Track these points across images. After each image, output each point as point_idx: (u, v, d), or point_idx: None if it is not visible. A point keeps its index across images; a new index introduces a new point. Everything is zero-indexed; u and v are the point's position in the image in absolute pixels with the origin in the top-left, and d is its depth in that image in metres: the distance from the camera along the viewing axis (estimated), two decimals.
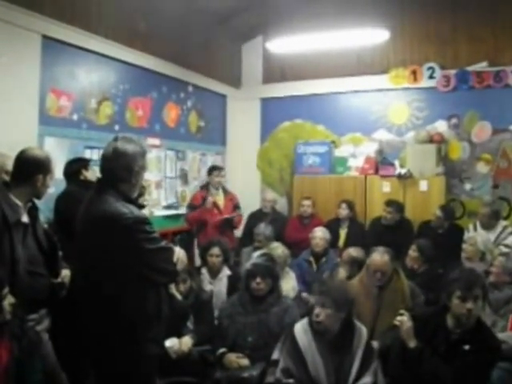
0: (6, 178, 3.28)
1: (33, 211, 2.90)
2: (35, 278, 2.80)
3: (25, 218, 2.82)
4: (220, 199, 6.10)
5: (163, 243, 2.58)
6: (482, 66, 6.46)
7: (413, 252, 4.77)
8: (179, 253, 2.63)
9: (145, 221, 2.51)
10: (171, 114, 6.42)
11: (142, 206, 2.72)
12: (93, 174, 4.29)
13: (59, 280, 2.98)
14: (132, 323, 2.47)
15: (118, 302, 2.45)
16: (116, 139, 2.58)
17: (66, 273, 3.00)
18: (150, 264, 2.48)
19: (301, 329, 3.16)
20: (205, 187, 6.21)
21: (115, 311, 2.45)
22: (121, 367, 2.50)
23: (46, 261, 2.93)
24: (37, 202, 2.95)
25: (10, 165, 3.27)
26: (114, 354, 2.49)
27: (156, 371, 2.76)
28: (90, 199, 2.60)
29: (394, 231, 5.85)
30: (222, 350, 3.61)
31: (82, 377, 2.93)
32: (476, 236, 5.09)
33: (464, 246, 4.86)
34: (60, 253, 3.09)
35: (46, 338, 2.92)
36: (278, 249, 4.77)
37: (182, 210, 6.30)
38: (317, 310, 3.07)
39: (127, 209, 2.46)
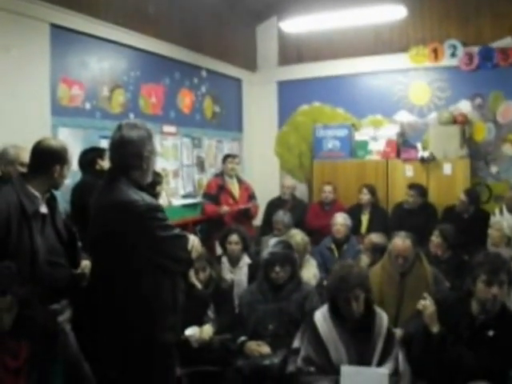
0: (22, 169, 3.41)
1: (51, 202, 3.01)
2: (55, 269, 2.91)
3: (43, 209, 2.92)
4: (235, 188, 6.22)
5: (177, 231, 2.65)
6: (506, 41, 6.41)
7: (436, 238, 4.80)
8: (194, 240, 2.70)
9: (157, 208, 2.60)
10: (185, 100, 6.49)
11: (154, 195, 2.79)
12: (108, 163, 4.40)
13: (79, 271, 3.09)
14: (148, 312, 2.57)
15: (133, 291, 2.55)
16: (120, 127, 2.67)
17: (86, 263, 3.10)
18: (164, 252, 2.57)
19: (321, 316, 3.23)
20: (220, 175, 6.33)
21: (130, 300, 2.56)
22: (139, 356, 2.60)
23: (66, 251, 3.04)
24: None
25: (25, 157, 3.39)
26: (132, 343, 2.59)
27: (175, 360, 2.88)
28: (102, 188, 2.70)
29: (416, 216, 5.91)
30: (243, 338, 3.71)
31: (105, 367, 3.05)
32: (502, 221, 5.11)
33: (490, 231, 4.89)
34: (79, 243, 3.21)
35: (68, 328, 3.04)
36: (297, 236, 4.82)
37: (200, 199, 6.38)
38: (354, 306, 3.12)
39: (139, 196, 2.54)
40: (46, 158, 2.94)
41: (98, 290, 2.69)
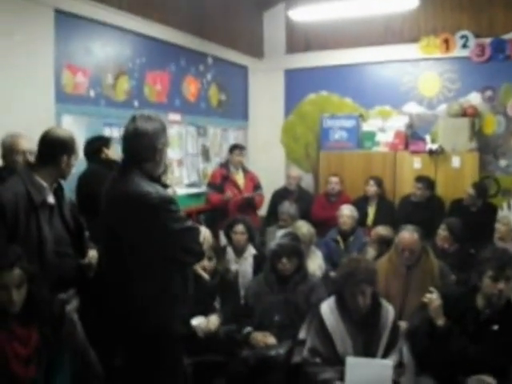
0: (19, 157, 3.49)
1: (58, 192, 3.09)
2: (63, 259, 2.99)
3: (50, 199, 2.99)
4: (240, 178, 6.30)
5: (189, 223, 2.74)
6: None
7: (442, 231, 4.89)
8: (205, 232, 2.81)
9: (170, 200, 2.67)
10: (191, 87, 6.55)
11: (166, 186, 2.88)
12: (114, 152, 4.48)
13: (86, 261, 3.18)
14: (158, 302, 2.65)
15: (144, 282, 2.64)
16: (134, 119, 2.72)
17: (93, 254, 3.20)
18: (177, 244, 2.64)
19: (327, 308, 3.33)
20: (224, 165, 6.40)
21: (141, 290, 2.64)
22: (147, 345, 2.68)
23: (73, 241, 3.13)
24: None
25: (22, 143, 3.49)
26: (141, 332, 2.67)
27: (182, 350, 2.96)
28: (114, 179, 2.77)
29: (424, 209, 5.99)
30: (249, 328, 3.80)
31: (112, 356, 3.15)
32: (510, 215, 5.17)
33: (497, 225, 4.94)
34: (87, 233, 3.30)
35: (75, 317, 3.13)
36: (303, 227, 4.92)
37: (204, 188, 6.47)
38: (360, 300, 3.22)
39: (153, 188, 2.61)
40: (54, 148, 3.00)
41: (108, 279, 2.78)
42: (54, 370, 2.71)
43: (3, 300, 2.54)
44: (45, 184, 2.98)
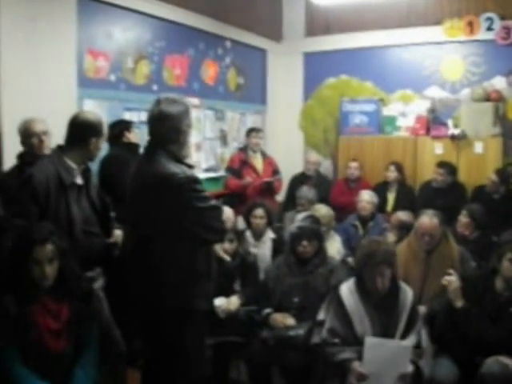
0: (35, 140, 3.71)
1: (86, 173, 3.30)
2: (90, 238, 3.21)
3: (79, 180, 3.22)
4: (258, 162, 6.43)
5: (213, 202, 2.95)
6: None
7: (464, 218, 4.94)
8: (228, 212, 3.01)
9: (196, 180, 2.88)
10: (209, 71, 6.68)
11: (191, 166, 3.07)
12: (135, 135, 4.69)
13: (112, 240, 3.39)
14: (183, 280, 2.85)
15: (170, 260, 2.83)
16: (159, 102, 2.91)
17: (118, 233, 3.41)
18: (201, 222, 2.84)
19: (347, 290, 3.47)
20: (243, 149, 6.54)
21: (166, 269, 2.84)
22: (171, 322, 2.87)
23: (99, 221, 3.33)
24: None
25: (36, 126, 3.73)
26: (165, 309, 2.86)
27: (206, 328, 3.14)
28: (140, 161, 2.99)
29: (445, 195, 6.04)
30: (268, 310, 3.96)
31: (132, 335, 3.35)
32: None
33: None
34: (112, 213, 3.50)
35: (101, 295, 3.34)
36: (322, 209, 5.08)
37: (222, 173, 6.64)
38: (379, 282, 3.35)
39: (179, 169, 2.83)
40: (83, 131, 3.21)
41: (134, 258, 2.98)
42: (83, 345, 2.90)
43: (36, 274, 2.75)
44: (74, 165, 3.19)
